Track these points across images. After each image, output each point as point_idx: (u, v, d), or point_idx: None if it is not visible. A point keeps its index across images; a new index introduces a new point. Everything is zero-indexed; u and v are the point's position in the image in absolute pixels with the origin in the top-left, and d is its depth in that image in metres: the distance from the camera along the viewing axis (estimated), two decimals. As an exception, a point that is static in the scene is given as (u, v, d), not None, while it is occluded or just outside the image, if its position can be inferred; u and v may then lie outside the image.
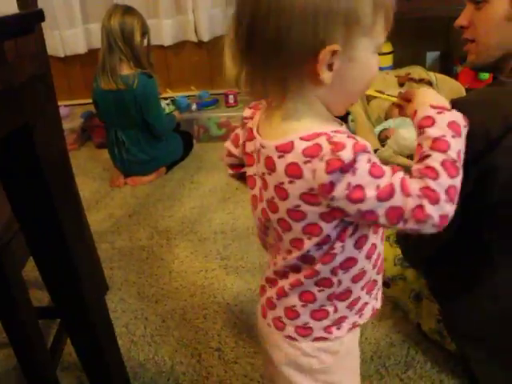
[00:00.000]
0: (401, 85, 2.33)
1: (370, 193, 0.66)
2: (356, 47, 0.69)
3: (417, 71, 2.32)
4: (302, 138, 0.69)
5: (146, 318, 1.65)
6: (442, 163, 0.69)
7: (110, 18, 2.43)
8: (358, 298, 0.85)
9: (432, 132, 0.72)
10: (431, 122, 0.74)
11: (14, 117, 0.78)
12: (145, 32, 2.52)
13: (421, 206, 0.66)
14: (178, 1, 3.13)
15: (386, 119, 2.22)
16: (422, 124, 0.75)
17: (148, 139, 2.61)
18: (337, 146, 0.66)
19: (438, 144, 0.71)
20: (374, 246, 0.80)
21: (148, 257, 1.98)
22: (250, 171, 0.84)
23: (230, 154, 0.92)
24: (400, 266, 1.47)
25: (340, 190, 0.66)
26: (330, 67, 0.68)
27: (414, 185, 0.67)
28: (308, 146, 0.69)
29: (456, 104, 1.12)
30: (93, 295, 1.13)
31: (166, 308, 1.69)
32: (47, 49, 3.27)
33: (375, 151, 1.80)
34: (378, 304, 0.91)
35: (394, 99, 0.94)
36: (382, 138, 2.00)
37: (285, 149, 0.71)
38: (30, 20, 0.80)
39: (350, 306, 0.85)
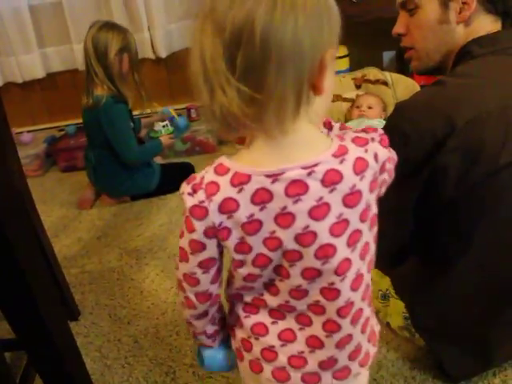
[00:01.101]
0: (357, 87, 2.36)
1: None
2: (329, 56, 0.68)
3: (372, 72, 2.36)
4: (343, 140, 0.71)
5: (118, 340, 1.64)
6: None
7: (87, 35, 2.33)
8: None
9: None
10: None
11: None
12: (124, 49, 2.36)
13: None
14: (133, 19, 3.13)
15: (345, 122, 2.25)
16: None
17: (113, 164, 2.48)
18: (372, 130, 0.75)
19: None
20: None
21: (118, 278, 1.97)
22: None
23: (197, 248, 0.75)
24: (365, 266, 1.49)
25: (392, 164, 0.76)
26: (325, 74, 0.67)
27: None
28: (356, 136, 0.72)
29: (400, 108, 1.16)
30: (56, 324, 1.12)
31: (138, 328, 1.68)
32: (5, 76, 3.25)
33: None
34: None
35: None
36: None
37: (343, 152, 0.69)
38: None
39: None
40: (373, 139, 0.72)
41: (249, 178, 0.68)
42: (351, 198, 0.70)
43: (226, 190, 0.69)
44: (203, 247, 0.74)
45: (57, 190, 2.88)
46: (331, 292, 0.74)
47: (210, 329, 0.89)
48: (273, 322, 0.80)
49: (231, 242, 0.73)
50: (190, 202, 0.71)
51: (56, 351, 1.12)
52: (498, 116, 1.05)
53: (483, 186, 1.08)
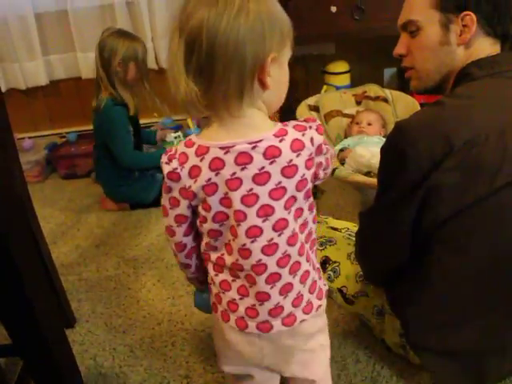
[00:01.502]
0: (358, 103, 2.38)
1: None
2: (282, 54, 0.88)
3: (373, 89, 2.38)
4: (284, 125, 0.90)
5: (114, 349, 1.64)
6: None
7: (99, 39, 2.40)
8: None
9: None
10: None
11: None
12: (130, 58, 2.38)
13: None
14: (137, 29, 3.15)
15: (345, 137, 2.26)
16: None
17: (111, 167, 2.53)
18: (311, 119, 0.92)
19: None
20: None
21: (115, 287, 1.97)
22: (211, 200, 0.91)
23: (181, 220, 0.98)
24: (362, 282, 1.50)
25: (324, 149, 0.92)
26: (268, 73, 0.85)
27: None
28: (297, 124, 0.90)
29: (400, 127, 1.17)
30: (53, 331, 1.13)
31: (134, 338, 1.68)
32: (8, 82, 3.27)
33: (334, 170, 1.84)
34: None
35: None
36: (341, 159, 2.04)
37: (281, 133, 0.88)
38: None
39: None
40: (310, 127, 0.90)
41: (207, 149, 0.88)
42: (288, 170, 0.88)
43: (192, 160, 0.89)
44: (178, 203, 0.94)
45: (56, 196, 2.89)
46: (271, 247, 0.91)
47: (199, 276, 1.10)
48: (232, 280, 0.97)
49: (196, 202, 0.93)
50: (166, 169, 0.91)
51: (52, 358, 1.13)
52: (496, 140, 1.07)
53: (479, 205, 1.10)
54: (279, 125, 0.89)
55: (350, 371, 1.46)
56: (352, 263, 1.54)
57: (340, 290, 1.55)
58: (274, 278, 0.93)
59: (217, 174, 0.88)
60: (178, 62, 0.84)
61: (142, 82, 2.47)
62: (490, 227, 1.13)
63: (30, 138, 3.32)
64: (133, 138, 2.52)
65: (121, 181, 2.56)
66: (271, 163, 0.87)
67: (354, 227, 1.70)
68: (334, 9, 2.52)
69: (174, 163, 0.90)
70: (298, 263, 0.95)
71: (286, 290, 0.95)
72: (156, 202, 2.52)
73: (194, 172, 0.89)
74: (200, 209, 0.93)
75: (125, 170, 2.52)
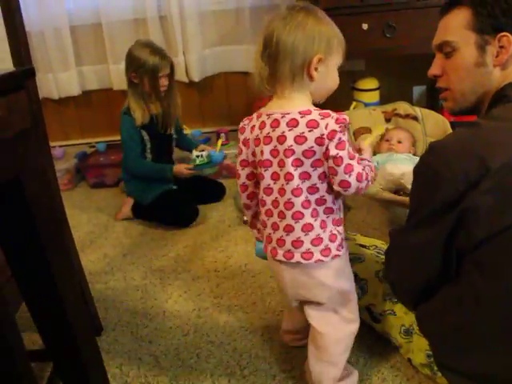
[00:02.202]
0: (387, 120, 2.38)
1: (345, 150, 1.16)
2: (330, 59, 1.20)
3: (402, 106, 2.37)
4: (314, 109, 1.18)
5: (139, 359, 1.66)
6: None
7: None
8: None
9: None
10: None
11: (5, 171, 0.81)
12: (139, 70, 2.48)
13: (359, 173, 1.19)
14: (169, 42, 3.21)
15: (374, 154, 2.26)
16: None
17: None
18: (339, 113, 1.17)
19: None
20: None
21: (142, 297, 1.99)
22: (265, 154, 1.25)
23: (244, 165, 1.33)
24: (389, 301, 1.49)
25: (336, 138, 1.15)
26: (316, 70, 1.18)
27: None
28: (323, 111, 1.17)
29: (434, 147, 1.17)
30: (84, 337, 1.15)
31: (159, 348, 1.70)
32: (42, 91, 3.36)
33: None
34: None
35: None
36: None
37: (306, 112, 1.18)
38: (20, 78, 0.84)
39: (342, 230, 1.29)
40: (332, 117, 1.15)
41: (261, 114, 1.26)
42: (299, 139, 1.18)
43: (254, 120, 1.28)
44: (241, 151, 1.31)
45: (85, 205, 2.94)
46: (281, 190, 1.23)
47: (256, 222, 1.42)
48: (267, 218, 1.29)
49: (251, 150, 1.28)
50: (240, 124, 1.32)
51: (82, 364, 1.14)
52: None
53: None
54: (310, 106, 1.20)
55: (376, 390, 1.45)
56: (380, 281, 1.53)
57: (367, 308, 1.54)
58: (281, 216, 1.25)
59: (261, 132, 1.24)
60: (257, 53, 1.23)
61: (156, 95, 2.57)
62: None
63: (60, 146, 3.39)
64: (149, 145, 2.64)
65: (128, 176, 2.72)
66: (290, 130, 1.18)
67: (382, 245, 1.70)
68: (365, 26, 2.53)
69: (245, 121, 1.30)
70: (301, 213, 1.23)
71: (287, 230, 1.25)
72: (154, 206, 2.61)
73: (252, 129, 1.27)
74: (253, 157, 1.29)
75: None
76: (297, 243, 1.25)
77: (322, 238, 1.25)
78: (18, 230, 0.97)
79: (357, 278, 1.57)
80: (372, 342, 1.61)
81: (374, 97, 2.90)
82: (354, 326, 1.39)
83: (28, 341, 1.66)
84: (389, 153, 2.14)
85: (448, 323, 1.26)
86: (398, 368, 1.51)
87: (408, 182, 1.80)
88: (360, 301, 1.55)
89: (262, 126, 1.23)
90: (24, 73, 0.86)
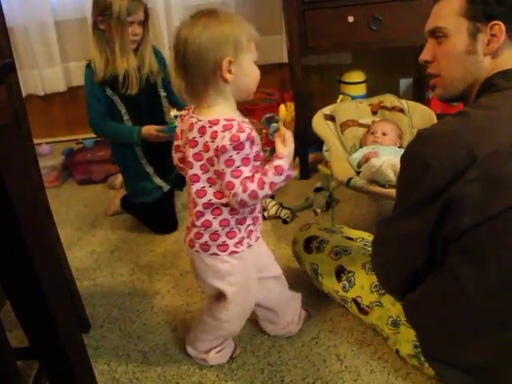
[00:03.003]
0: (374, 113, 2.37)
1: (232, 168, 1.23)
2: (240, 58, 1.24)
3: (389, 99, 2.37)
4: (224, 119, 1.24)
5: (127, 355, 1.65)
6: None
7: None
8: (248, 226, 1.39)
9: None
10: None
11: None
12: (109, 14, 2.13)
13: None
14: (155, 39, 3.18)
15: (360, 147, 2.26)
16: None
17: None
18: (240, 129, 1.21)
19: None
20: None
21: (130, 293, 1.98)
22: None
23: (176, 150, 1.43)
24: (376, 292, 1.50)
25: (227, 154, 1.21)
26: (230, 72, 1.23)
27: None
28: (226, 124, 1.23)
29: (422, 135, 1.17)
30: (69, 335, 1.14)
31: (148, 344, 1.69)
32: (27, 88, 3.32)
33: (349, 180, 1.84)
34: (258, 233, 1.45)
35: None
36: (358, 166, 2.03)
37: (213, 122, 1.25)
38: (-2, 72, 0.83)
39: (246, 229, 1.38)
40: (230, 131, 1.20)
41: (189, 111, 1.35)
42: (206, 146, 1.26)
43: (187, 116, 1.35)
44: (179, 149, 1.42)
45: (72, 202, 2.92)
46: (198, 192, 1.33)
47: None
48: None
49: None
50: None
51: (68, 361, 1.14)
52: None
53: (501, 217, 1.09)
54: (222, 116, 1.24)
55: (364, 381, 1.46)
56: (367, 273, 1.53)
57: (355, 300, 1.54)
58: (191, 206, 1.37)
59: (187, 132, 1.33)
60: (171, 63, 1.27)
61: (124, 45, 2.18)
62: (511, 240, 1.11)
63: (47, 143, 3.36)
64: (123, 108, 2.30)
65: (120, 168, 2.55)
66: (201, 137, 1.27)
67: (369, 237, 1.70)
68: (351, 19, 2.52)
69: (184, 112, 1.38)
70: (201, 212, 1.33)
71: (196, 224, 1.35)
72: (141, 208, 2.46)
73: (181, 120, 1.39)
74: None
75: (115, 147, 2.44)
76: (197, 235, 1.37)
77: (219, 235, 1.35)
78: (0, 227, 0.96)
79: (344, 270, 1.58)
80: (360, 334, 1.62)
81: (361, 90, 2.89)
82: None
83: (14, 339, 1.65)
84: (374, 145, 2.14)
85: (434, 313, 1.26)
86: (386, 360, 1.52)
87: (387, 170, 1.79)
88: (347, 293, 1.56)
89: (190, 127, 1.30)
90: (3, 67, 0.84)
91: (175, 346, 1.66)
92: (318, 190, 2.51)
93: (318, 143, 2.30)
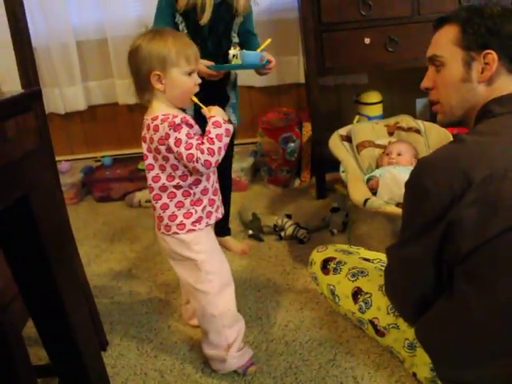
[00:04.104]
0: (390, 134, 2.39)
1: (183, 144, 1.40)
2: (170, 72, 1.42)
3: (405, 120, 2.39)
4: (162, 114, 1.43)
5: (145, 374, 1.66)
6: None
7: None
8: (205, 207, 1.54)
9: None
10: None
11: (14, 190, 0.83)
12: None
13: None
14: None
15: (376, 168, 2.27)
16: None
17: None
18: (174, 117, 1.41)
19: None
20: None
21: (147, 311, 2.00)
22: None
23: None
24: (393, 314, 1.50)
25: (172, 137, 1.40)
26: (161, 82, 1.43)
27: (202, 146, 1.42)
28: (163, 117, 1.42)
29: (421, 163, 1.22)
30: (90, 353, 1.16)
31: (164, 363, 1.70)
32: (48, 106, 3.38)
33: (366, 201, 1.85)
34: (219, 215, 1.61)
35: None
36: (370, 189, 2.05)
37: (154, 118, 1.44)
38: (28, 100, 0.86)
39: (204, 210, 1.54)
40: (168, 120, 1.40)
41: None
42: (151, 139, 1.45)
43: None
44: None
45: (90, 219, 2.96)
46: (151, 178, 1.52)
47: None
48: None
49: None
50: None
51: (87, 380, 1.15)
52: None
53: (500, 238, 1.10)
54: (161, 112, 1.44)
55: (381, 404, 1.46)
56: (384, 295, 1.53)
57: (371, 322, 1.54)
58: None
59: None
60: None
61: None
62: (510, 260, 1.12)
63: (66, 160, 3.41)
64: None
65: None
66: (148, 132, 1.46)
67: (386, 258, 1.70)
68: (367, 40, 2.55)
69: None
70: (159, 195, 1.51)
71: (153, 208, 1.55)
72: None
73: None
74: None
75: None
76: (159, 219, 1.54)
77: (176, 215, 1.51)
78: (24, 246, 0.99)
79: (361, 292, 1.58)
80: (377, 356, 1.62)
81: (378, 110, 2.91)
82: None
83: (34, 356, 1.67)
84: (389, 166, 2.15)
85: (445, 337, 1.26)
86: (403, 382, 1.52)
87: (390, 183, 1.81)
88: (364, 314, 1.56)
89: (142, 126, 1.52)
90: (31, 95, 0.88)
91: (192, 366, 1.67)
92: (334, 210, 2.52)
93: (334, 163, 2.32)
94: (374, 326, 1.54)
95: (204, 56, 1.89)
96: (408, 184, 1.25)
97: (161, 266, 2.32)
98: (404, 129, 2.38)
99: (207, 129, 1.45)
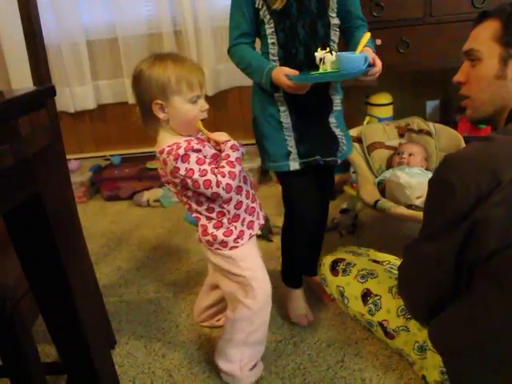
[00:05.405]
0: (401, 135, 2.38)
1: (196, 173, 1.34)
2: (171, 100, 1.35)
3: (416, 122, 2.38)
4: (167, 146, 1.36)
5: (153, 373, 1.66)
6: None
7: None
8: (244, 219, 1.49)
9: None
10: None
11: (27, 186, 0.83)
12: None
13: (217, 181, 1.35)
14: (184, 57, 3.24)
15: (387, 169, 2.26)
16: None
17: None
18: (177, 148, 1.33)
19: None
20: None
21: (155, 310, 2.00)
22: None
23: None
24: (403, 317, 1.49)
25: (182, 169, 1.34)
26: (163, 111, 1.36)
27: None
28: (169, 149, 1.35)
29: (448, 159, 1.18)
30: (99, 351, 1.16)
31: (172, 362, 1.70)
32: (58, 105, 3.39)
33: (376, 202, 1.84)
34: (261, 221, 1.56)
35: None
36: (380, 191, 2.04)
37: (160, 152, 1.38)
38: (41, 96, 0.86)
39: (243, 223, 1.49)
40: (173, 155, 1.33)
41: None
42: (165, 173, 1.41)
43: None
44: None
45: (99, 218, 2.96)
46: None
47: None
48: None
49: None
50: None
51: (96, 377, 1.15)
52: None
53: None
54: (165, 144, 1.37)
55: (390, 407, 1.45)
56: (393, 297, 1.53)
57: (381, 324, 1.54)
58: None
59: None
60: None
61: None
62: None
63: (75, 159, 3.43)
64: (274, 37, 1.60)
65: None
66: (159, 165, 1.42)
67: (395, 260, 1.70)
68: (379, 41, 2.54)
69: None
70: (198, 218, 1.48)
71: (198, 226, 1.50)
72: None
73: None
74: None
75: None
76: (203, 233, 1.49)
77: (217, 235, 1.46)
78: (36, 243, 0.99)
79: (370, 294, 1.57)
80: (385, 359, 1.61)
81: (388, 111, 2.90)
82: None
83: (42, 353, 1.67)
84: (400, 166, 2.14)
85: (460, 339, 1.25)
86: (412, 385, 1.50)
87: (414, 194, 1.80)
88: (373, 316, 1.55)
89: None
90: (45, 92, 0.88)
91: (200, 365, 1.67)
92: (344, 211, 2.51)
93: (343, 164, 2.31)
94: (384, 328, 1.53)
95: (296, 47, 1.56)
96: (433, 181, 1.23)
97: (169, 265, 2.32)
98: (415, 131, 2.37)
99: (226, 153, 1.39)
